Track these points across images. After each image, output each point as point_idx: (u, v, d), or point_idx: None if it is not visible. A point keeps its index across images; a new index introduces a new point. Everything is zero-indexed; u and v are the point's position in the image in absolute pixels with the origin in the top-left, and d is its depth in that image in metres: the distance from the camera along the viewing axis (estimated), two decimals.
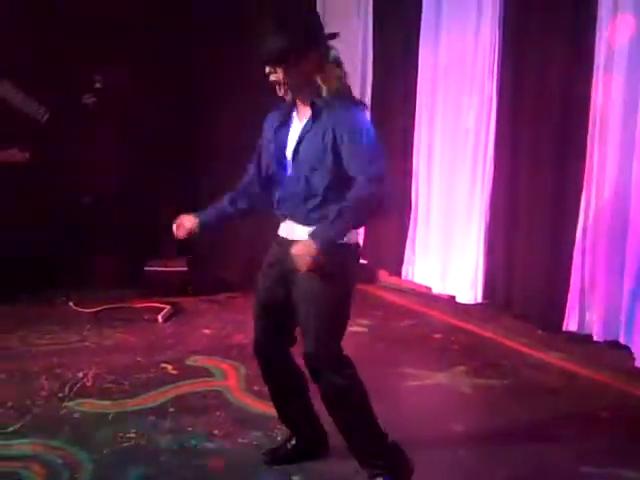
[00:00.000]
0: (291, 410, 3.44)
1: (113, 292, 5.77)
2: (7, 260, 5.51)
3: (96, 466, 3.33)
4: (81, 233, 5.94)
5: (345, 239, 2.99)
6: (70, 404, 3.95)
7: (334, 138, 2.96)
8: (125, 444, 3.55)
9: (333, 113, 2.96)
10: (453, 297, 5.42)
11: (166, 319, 5.41)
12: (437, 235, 5.57)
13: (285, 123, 3.12)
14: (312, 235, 2.89)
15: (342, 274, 3.08)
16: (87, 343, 4.92)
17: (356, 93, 5.97)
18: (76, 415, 3.84)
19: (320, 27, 3.01)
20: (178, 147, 6.14)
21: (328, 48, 3.02)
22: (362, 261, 5.97)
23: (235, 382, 4.31)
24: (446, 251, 5.47)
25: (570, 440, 3.70)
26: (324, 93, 2.97)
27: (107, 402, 3.99)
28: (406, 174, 5.74)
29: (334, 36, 3.05)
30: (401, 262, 5.76)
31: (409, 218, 5.74)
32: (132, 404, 3.99)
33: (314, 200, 3.04)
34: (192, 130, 6.25)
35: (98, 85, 6.11)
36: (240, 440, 3.62)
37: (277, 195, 3.14)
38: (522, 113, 4.95)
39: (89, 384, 4.23)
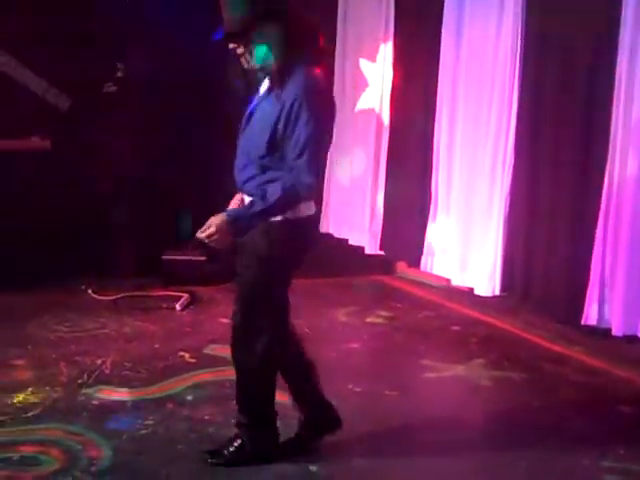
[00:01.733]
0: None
1: (132, 280, 5.79)
2: (27, 247, 5.53)
3: (114, 453, 3.35)
4: (100, 221, 5.95)
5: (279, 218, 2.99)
6: (89, 391, 3.98)
7: (280, 112, 2.93)
8: (143, 431, 3.57)
9: (287, 85, 2.93)
10: (472, 289, 5.39)
11: (184, 308, 5.42)
12: (456, 227, 5.53)
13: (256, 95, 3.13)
14: (228, 216, 2.96)
15: (267, 252, 3.06)
16: (106, 330, 4.94)
17: (377, 90, 6.10)
18: (95, 402, 3.86)
19: None
20: (198, 135, 6.12)
21: (292, 17, 2.97)
22: (378, 252, 6.09)
23: None
24: (465, 243, 5.44)
25: (590, 434, 3.68)
26: (286, 62, 2.93)
27: (125, 389, 4.00)
28: (426, 164, 5.71)
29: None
30: (420, 253, 5.73)
31: (429, 209, 5.71)
32: (150, 392, 4.00)
33: (250, 170, 3.03)
34: (213, 118, 6.23)
35: (120, 74, 6.11)
36: None
37: (235, 166, 3.16)
38: (544, 107, 4.90)
39: (108, 371, 4.24)
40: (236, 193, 3.27)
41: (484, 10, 5.29)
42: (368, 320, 5.34)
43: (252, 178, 3.04)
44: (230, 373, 4.20)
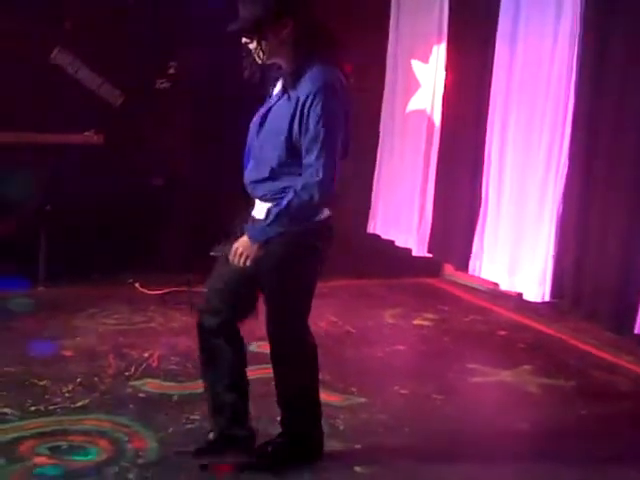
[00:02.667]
0: None
1: (179, 275, 5.82)
2: (78, 241, 5.60)
3: (160, 445, 3.37)
4: (150, 215, 6.00)
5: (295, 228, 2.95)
6: (136, 383, 4.01)
7: (294, 111, 2.88)
8: (189, 425, 3.59)
9: (301, 85, 2.88)
10: (520, 294, 5.33)
11: None
12: (506, 230, 5.47)
13: (270, 94, 3.07)
14: (250, 236, 2.94)
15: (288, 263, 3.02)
16: (153, 325, 4.98)
17: (429, 91, 6.05)
18: (141, 394, 3.89)
19: None
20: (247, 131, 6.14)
21: (306, 16, 2.94)
22: (426, 254, 6.06)
23: None
24: (515, 247, 5.37)
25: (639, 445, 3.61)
26: (300, 62, 2.89)
27: (172, 383, 4.03)
28: (477, 167, 5.66)
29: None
30: (468, 256, 5.69)
31: (478, 212, 5.65)
32: (196, 387, 4.00)
33: (262, 174, 2.97)
34: None
35: (172, 71, 6.17)
36: None
37: (246, 174, 3.08)
38: (600, 114, 4.82)
39: (154, 365, 4.28)
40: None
41: (541, 13, 5.22)
42: (415, 322, 5.32)
43: (264, 182, 2.98)
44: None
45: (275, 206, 2.92)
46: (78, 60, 5.91)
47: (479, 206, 5.67)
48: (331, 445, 3.46)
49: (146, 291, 5.60)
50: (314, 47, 2.93)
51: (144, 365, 4.25)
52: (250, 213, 3.11)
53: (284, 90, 2.95)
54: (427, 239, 6.09)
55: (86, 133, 5.85)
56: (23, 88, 5.60)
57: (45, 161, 5.62)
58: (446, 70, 5.97)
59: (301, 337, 3.24)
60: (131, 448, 3.34)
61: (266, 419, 3.63)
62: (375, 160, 6.51)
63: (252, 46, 2.91)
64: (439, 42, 6.05)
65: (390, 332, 5.12)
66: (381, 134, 6.52)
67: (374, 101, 6.38)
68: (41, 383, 3.93)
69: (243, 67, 3.04)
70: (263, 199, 3.02)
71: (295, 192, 2.89)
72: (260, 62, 2.94)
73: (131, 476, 3.11)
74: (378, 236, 6.40)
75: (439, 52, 6.05)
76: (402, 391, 4.10)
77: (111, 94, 6.06)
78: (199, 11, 5.91)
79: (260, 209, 3.05)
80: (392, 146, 6.46)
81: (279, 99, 2.98)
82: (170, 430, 3.52)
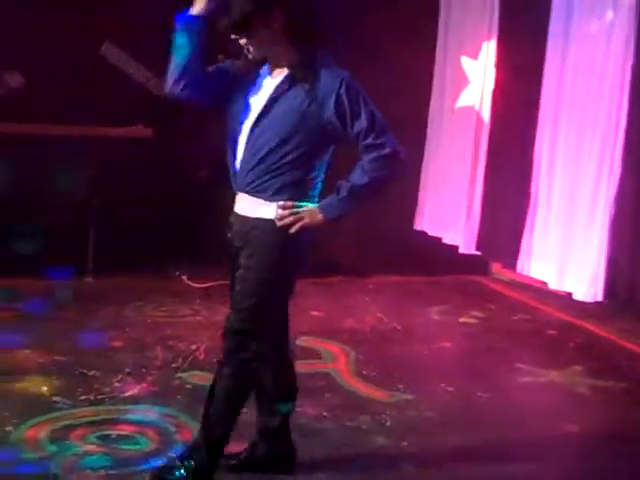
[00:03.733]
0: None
1: (225, 269, 5.83)
2: (128, 233, 5.65)
3: None
4: (198, 208, 6.03)
5: None
6: (183, 375, 4.03)
7: (321, 107, 2.79)
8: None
9: (319, 78, 2.80)
10: (570, 294, 5.25)
11: None
12: (556, 229, 5.40)
13: (247, 87, 2.92)
14: (321, 207, 2.84)
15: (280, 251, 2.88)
16: (199, 317, 5.01)
17: (478, 88, 5.99)
18: (189, 386, 3.91)
19: None
20: None
21: (299, 4, 2.88)
22: (474, 252, 6.01)
23: (344, 365, 4.30)
24: (565, 246, 5.30)
25: None
26: (305, 53, 2.81)
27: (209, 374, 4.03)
28: (527, 164, 5.59)
29: None
30: (516, 255, 5.62)
31: (527, 210, 5.58)
32: None
33: (262, 170, 2.85)
34: None
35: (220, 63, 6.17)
36: (348, 423, 3.61)
37: (234, 168, 2.94)
38: None
39: (201, 357, 4.30)
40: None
41: (594, 9, 5.13)
42: (461, 320, 5.27)
43: (263, 177, 2.87)
44: (322, 366, 4.28)
45: (347, 180, 2.85)
46: (127, 53, 5.96)
47: (528, 204, 5.61)
48: (378, 441, 3.46)
49: (192, 284, 5.63)
50: (314, 36, 2.89)
51: (191, 357, 4.28)
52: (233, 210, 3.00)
53: (291, 81, 2.83)
54: (475, 237, 6.03)
55: (135, 126, 5.89)
56: (73, 81, 5.66)
57: (94, 154, 5.68)
58: (496, 67, 5.91)
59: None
60: (179, 439, 3.35)
61: (312, 413, 3.64)
62: (422, 156, 6.47)
63: (242, 42, 2.82)
64: (489, 38, 5.99)
65: (436, 329, 5.09)
66: (429, 130, 6.47)
67: (422, 96, 6.33)
68: (90, 373, 3.97)
69: (236, 64, 2.95)
70: (253, 190, 2.89)
71: (366, 168, 2.83)
72: (251, 57, 2.85)
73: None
74: (425, 233, 6.36)
75: (489, 48, 5.99)
76: (449, 389, 4.06)
77: (160, 87, 6.09)
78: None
79: (245, 203, 2.94)
80: (440, 142, 6.41)
81: (284, 90, 2.84)
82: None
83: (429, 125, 6.47)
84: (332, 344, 4.61)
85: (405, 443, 3.45)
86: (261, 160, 2.86)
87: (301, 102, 2.82)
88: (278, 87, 2.86)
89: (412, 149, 5.95)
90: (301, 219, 2.85)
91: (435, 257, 6.12)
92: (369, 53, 5.68)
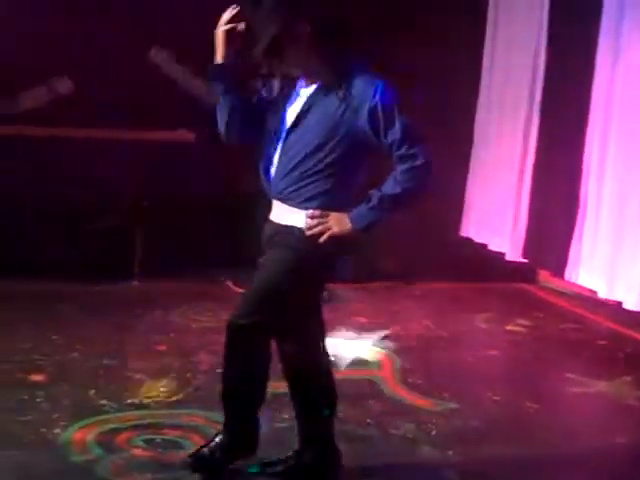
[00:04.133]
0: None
1: None
2: (174, 237, 5.69)
3: None
4: (244, 213, 6.04)
5: None
6: None
7: (355, 114, 2.80)
8: (280, 424, 3.58)
9: (353, 85, 2.81)
10: (620, 303, 5.15)
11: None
12: (606, 237, 5.29)
13: (285, 97, 2.94)
14: (350, 216, 2.83)
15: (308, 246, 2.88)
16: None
17: (524, 93, 5.92)
18: None
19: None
20: None
21: (322, 12, 2.87)
22: (521, 259, 5.93)
23: (390, 373, 4.28)
24: (615, 255, 5.19)
25: None
26: (334, 60, 2.82)
27: None
28: (576, 170, 5.49)
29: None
30: (565, 263, 5.53)
31: (576, 217, 5.49)
32: (286, 386, 4.02)
33: (296, 177, 2.87)
34: None
35: (264, 70, 6.18)
36: (392, 431, 3.59)
37: (269, 173, 2.96)
38: None
39: None
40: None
41: None
42: (508, 328, 5.21)
43: (296, 184, 2.89)
44: (366, 372, 4.26)
45: (378, 190, 2.85)
46: (174, 59, 6.01)
47: (577, 211, 5.51)
48: (423, 450, 3.43)
49: (238, 289, 5.64)
50: (341, 42, 2.88)
51: None
52: (267, 218, 3.03)
53: (324, 90, 2.85)
54: (522, 244, 5.95)
55: (178, 131, 5.93)
56: (120, 86, 5.72)
57: (141, 157, 5.73)
58: (545, 71, 5.83)
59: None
60: None
61: (357, 420, 3.62)
62: (469, 160, 6.40)
63: (276, 63, 2.83)
64: (539, 40, 5.90)
65: (482, 337, 5.03)
66: (476, 133, 6.41)
67: (468, 99, 6.27)
68: (137, 376, 4.00)
69: (274, 85, 2.96)
70: (285, 197, 2.91)
71: (398, 179, 2.82)
72: (286, 75, 2.88)
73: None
74: (471, 239, 6.30)
75: (538, 51, 5.91)
76: (495, 398, 4.01)
77: (204, 94, 6.13)
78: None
79: (278, 210, 2.97)
80: (487, 146, 6.34)
81: (318, 98, 2.85)
82: (262, 429, 3.51)
83: (476, 128, 6.41)
84: (377, 350, 4.58)
85: (451, 452, 3.42)
86: (294, 167, 2.88)
87: (335, 110, 2.83)
88: (312, 96, 2.88)
89: (459, 154, 6.04)
90: (329, 228, 2.85)
91: (481, 264, 6.06)
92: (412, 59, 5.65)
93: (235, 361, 3.05)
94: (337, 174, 2.88)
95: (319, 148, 2.85)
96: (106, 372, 4.06)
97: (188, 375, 4.06)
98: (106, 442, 3.32)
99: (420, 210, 6.00)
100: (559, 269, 5.63)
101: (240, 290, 5.62)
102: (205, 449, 3.13)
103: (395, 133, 2.81)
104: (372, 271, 6.02)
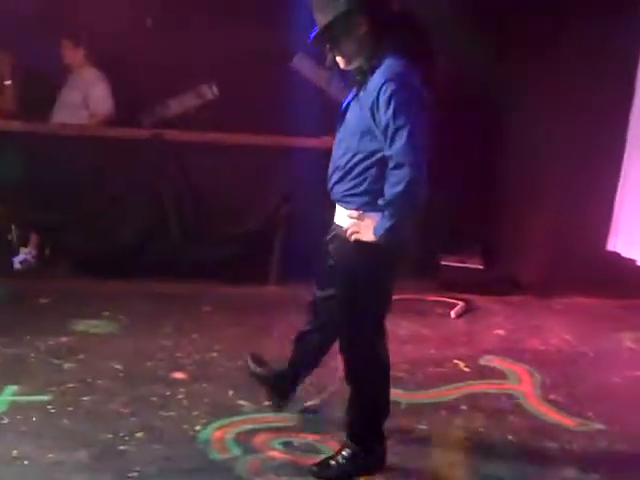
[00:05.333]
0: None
1: (407, 283, 5.76)
2: (312, 242, 5.70)
3: (389, 452, 3.33)
4: None
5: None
6: None
7: (368, 107, 2.81)
8: (414, 435, 3.53)
9: (374, 79, 2.82)
10: None
11: (459, 315, 5.32)
12: None
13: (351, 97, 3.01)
14: (375, 225, 2.84)
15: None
16: None
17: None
18: None
19: None
20: (481, 151, 5.99)
21: (382, 9, 2.89)
22: None
23: (530, 388, 4.13)
24: None
25: None
26: (374, 58, 2.84)
27: (400, 391, 3.98)
28: None
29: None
30: None
31: None
32: (424, 396, 3.97)
33: (340, 176, 2.94)
34: (494, 134, 6.04)
35: None
36: (535, 449, 3.47)
37: (329, 175, 3.05)
38: None
39: None
40: None
41: None
42: None
43: (340, 183, 2.97)
44: (506, 387, 4.14)
45: (383, 202, 2.87)
46: (318, 66, 6.05)
47: None
48: (566, 472, 3.29)
49: None
50: (383, 38, 2.88)
51: None
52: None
53: (358, 87, 2.91)
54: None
55: (324, 137, 5.95)
56: (264, 92, 5.82)
57: (283, 163, 5.79)
58: None
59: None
60: None
61: (497, 436, 3.52)
62: (619, 174, 6.12)
63: (332, 53, 2.91)
64: None
65: (630, 357, 4.77)
66: (628, 140, 6.10)
67: (619, 104, 5.98)
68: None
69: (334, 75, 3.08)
70: (341, 202, 3.00)
71: (388, 183, 2.84)
72: (342, 67, 2.92)
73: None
74: (618, 254, 6.02)
75: None
76: None
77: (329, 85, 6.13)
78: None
79: (339, 214, 3.04)
80: (638, 162, 6.04)
81: (354, 97, 2.95)
82: (398, 438, 3.47)
83: (629, 135, 6.10)
84: (517, 365, 4.44)
85: (596, 476, 3.26)
86: (336, 168, 2.97)
87: (360, 108, 2.88)
88: (354, 95, 2.95)
89: (607, 162, 5.78)
90: (357, 232, 2.89)
91: (629, 280, 5.76)
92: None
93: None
94: (371, 174, 2.89)
95: (350, 148, 2.90)
96: (244, 374, 4.09)
97: (325, 380, 4.05)
98: (244, 442, 3.37)
99: (564, 222, 5.89)
100: None
101: None
102: (332, 460, 3.16)
103: (382, 130, 2.81)
104: (513, 284, 5.85)
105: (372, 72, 2.86)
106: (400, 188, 2.81)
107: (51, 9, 5.84)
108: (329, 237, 3.14)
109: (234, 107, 5.79)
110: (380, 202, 2.86)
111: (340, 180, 2.97)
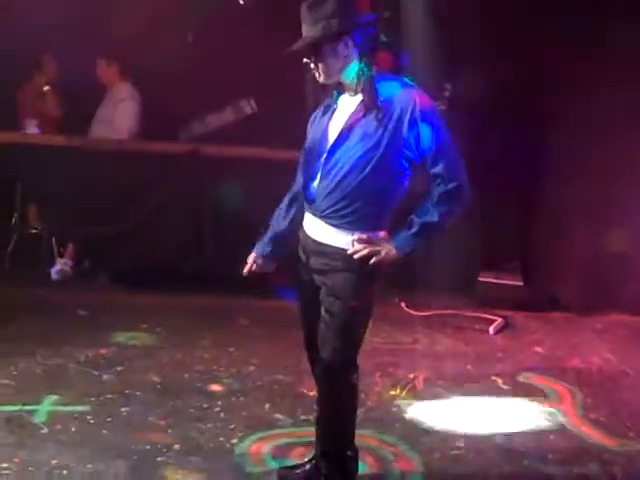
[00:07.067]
0: None
1: (445, 298, 5.74)
2: None
3: (426, 469, 3.31)
4: None
5: None
6: (402, 403, 3.99)
7: (395, 129, 2.74)
8: (455, 452, 3.50)
9: (395, 100, 2.75)
10: None
11: (497, 331, 5.27)
12: None
13: (325, 112, 2.93)
14: (394, 243, 2.78)
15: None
16: (418, 346, 4.93)
17: None
18: (406, 415, 3.86)
19: (355, 10, 2.86)
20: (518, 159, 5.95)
21: (369, 30, 2.85)
22: None
23: (570, 407, 4.07)
24: None
25: None
26: (365, 78, 2.79)
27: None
28: None
29: (379, 19, 2.96)
30: None
31: None
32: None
33: (337, 196, 2.82)
34: (531, 142, 6.00)
35: (447, 94, 6.14)
36: (575, 470, 3.41)
37: (310, 190, 2.91)
38: None
39: (419, 387, 4.23)
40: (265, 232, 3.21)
41: None
42: None
43: (338, 204, 2.83)
44: (546, 404, 4.08)
45: (418, 216, 2.80)
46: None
47: None
48: None
49: (412, 312, 5.58)
50: (377, 60, 2.87)
51: (409, 386, 4.22)
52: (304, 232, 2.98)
53: (365, 108, 2.80)
54: None
55: None
56: (299, 109, 5.83)
57: None
58: None
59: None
60: (397, 468, 3.32)
61: (538, 455, 3.47)
62: None
63: (313, 66, 2.86)
64: None
65: None
66: None
67: None
68: (311, 394, 3.98)
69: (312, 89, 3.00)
70: (327, 217, 2.87)
71: (435, 203, 2.78)
72: (321, 81, 2.87)
73: None
74: None
75: None
76: None
77: None
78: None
79: (320, 228, 2.91)
80: None
81: (359, 116, 2.81)
82: (436, 455, 3.44)
83: None
84: (557, 383, 4.38)
85: None
86: (336, 186, 2.84)
87: (375, 128, 2.79)
88: (353, 114, 2.85)
89: None
90: (377, 253, 2.80)
91: None
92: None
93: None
94: (379, 195, 2.83)
95: (360, 169, 2.80)
96: (280, 388, 4.11)
97: (362, 396, 4.00)
98: (281, 456, 3.35)
99: (604, 239, 5.81)
100: None
101: (414, 312, 5.57)
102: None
103: (428, 149, 2.76)
104: (552, 301, 5.78)
105: (379, 91, 2.82)
106: (451, 207, 2.80)
107: (88, 23, 5.92)
108: (316, 267, 2.96)
109: (272, 122, 5.82)
110: (417, 220, 2.80)
111: (339, 201, 2.84)
